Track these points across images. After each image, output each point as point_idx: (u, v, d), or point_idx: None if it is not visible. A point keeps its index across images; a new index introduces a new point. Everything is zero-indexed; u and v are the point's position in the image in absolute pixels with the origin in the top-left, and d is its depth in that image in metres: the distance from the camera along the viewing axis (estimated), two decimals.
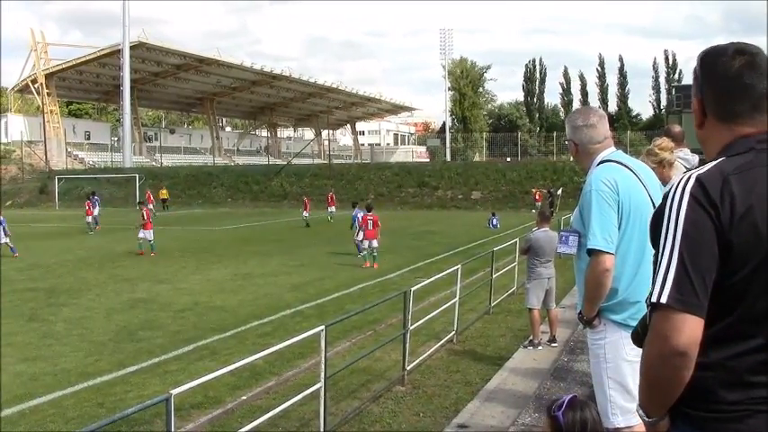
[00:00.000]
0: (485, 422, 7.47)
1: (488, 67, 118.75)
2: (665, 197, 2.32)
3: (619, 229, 4.45)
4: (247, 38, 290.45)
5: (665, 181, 5.47)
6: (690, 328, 2.16)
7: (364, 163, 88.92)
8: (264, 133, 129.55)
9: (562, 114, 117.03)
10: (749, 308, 2.21)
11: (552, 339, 10.84)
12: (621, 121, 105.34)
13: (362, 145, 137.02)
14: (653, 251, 4.56)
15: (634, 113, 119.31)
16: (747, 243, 2.19)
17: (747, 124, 2.34)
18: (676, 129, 7.79)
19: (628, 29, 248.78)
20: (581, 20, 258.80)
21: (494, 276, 14.22)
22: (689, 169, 7.39)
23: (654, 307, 2.22)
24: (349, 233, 24.24)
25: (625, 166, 4.64)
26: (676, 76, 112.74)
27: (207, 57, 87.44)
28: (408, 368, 9.17)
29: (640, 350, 4.49)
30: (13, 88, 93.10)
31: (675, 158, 6.73)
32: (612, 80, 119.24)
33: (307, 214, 38.76)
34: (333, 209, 45.28)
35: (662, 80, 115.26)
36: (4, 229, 25.93)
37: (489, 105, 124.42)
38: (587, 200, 4.51)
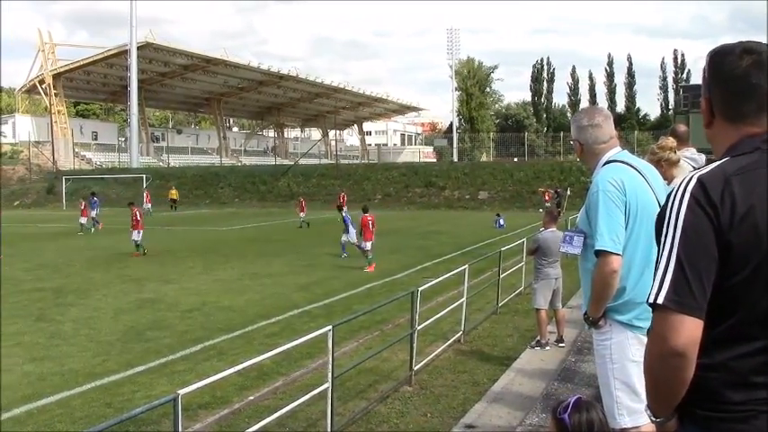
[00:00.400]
0: (492, 422, 7.46)
1: (495, 67, 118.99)
2: (668, 197, 2.31)
3: (625, 229, 4.44)
4: (253, 38, 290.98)
5: (666, 180, 5.46)
6: (687, 329, 2.16)
7: (371, 163, 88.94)
8: (271, 133, 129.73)
9: (569, 114, 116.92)
10: (751, 309, 2.21)
11: (560, 339, 10.82)
12: (629, 120, 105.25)
13: (369, 145, 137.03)
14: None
15: (642, 113, 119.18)
16: (748, 244, 2.18)
17: (754, 124, 2.33)
18: (681, 128, 7.77)
19: (635, 29, 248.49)
20: (588, 20, 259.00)
21: (501, 276, 14.20)
22: (696, 169, 7.38)
23: (653, 307, 2.22)
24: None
25: (631, 166, 4.62)
26: (684, 75, 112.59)
27: (214, 57, 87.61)
28: (416, 368, 9.16)
29: None
30: (20, 89, 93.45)
31: (680, 158, 6.70)
32: (620, 80, 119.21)
33: (303, 215, 38.47)
34: (345, 209, 45.07)
35: (670, 80, 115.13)
36: None
37: (496, 105, 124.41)
38: (594, 200, 4.49)
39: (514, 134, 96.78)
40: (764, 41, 2.38)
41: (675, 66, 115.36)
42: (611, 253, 4.34)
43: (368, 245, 21.25)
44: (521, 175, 58.63)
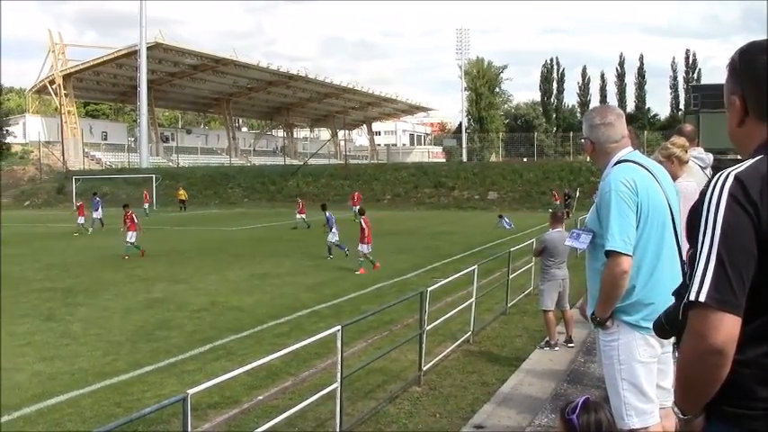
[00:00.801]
0: (501, 423, 7.45)
1: (505, 67, 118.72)
2: (703, 195, 2.30)
3: (636, 229, 4.42)
4: (262, 38, 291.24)
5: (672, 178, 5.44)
6: (727, 327, 2.15)
7: (380, 163, 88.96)
8: (281, 133, 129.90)
9: (579, 114, 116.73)
10: None
11: (569, 340, 10.79)
12: (640, 120, 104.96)
13: (378, 145, 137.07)
14: (670, 252, 4.55)
15: (652, 113, 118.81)
16: None
17: None
18: (688, 128, 7.77)
19: (645, 28, 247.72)
20: (597, 20, 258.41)
21: (510, 277, 14.19)
22: (703, 168, 7.36)
23: (691, 305, 2.20)
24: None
25: (642, 166, 4.60)
26: (695, 75, 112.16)
27: (223, 57, 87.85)
28: (425, 369, 9.15)
29: (653, 351, 4.50)
30: (31, 89, 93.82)
31: (690, 159, 6.69)
32: (630, 80, 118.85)
33: (301, 216, 37.92)
34: (357, 208, 45.01)
35: (680, 80, 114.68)
36: None
37: (506, 105, 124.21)
38: (606, 200, 4.46)
39: (524, 134, 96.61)
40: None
41: (687, 65, 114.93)
42: (622, 254, 4.33)
43: (367, 248, 20.88)
44: (530, 175, 58.56)
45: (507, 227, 35.48)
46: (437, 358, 9.91)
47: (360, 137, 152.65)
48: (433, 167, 67.18)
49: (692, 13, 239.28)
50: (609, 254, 4.37)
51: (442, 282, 11.27)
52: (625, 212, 4.38)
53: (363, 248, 20.71)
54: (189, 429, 4.85)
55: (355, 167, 71.21)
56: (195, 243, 29.97)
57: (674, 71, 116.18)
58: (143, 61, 77.10)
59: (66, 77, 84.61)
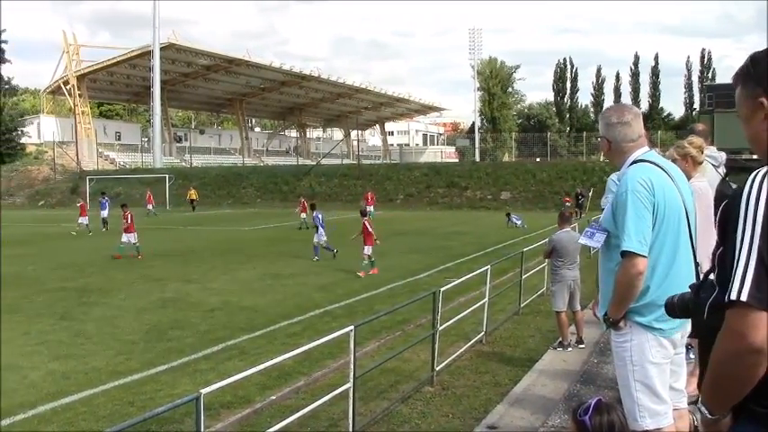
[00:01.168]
0: (514, 424, 7.43)
1: (518, 67, 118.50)
2: (738, 194, 2.28)
3: (653, 230, 4.39)
4: (275, 38, 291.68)
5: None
6: (767, 326, 2.13)
7: (393, 163, 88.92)
8: (293, 134, 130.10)
9: (592, 114, 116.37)
10: None
11: (579, 341, 10.74)
12: (655, 120, 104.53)
13: (391, 145, 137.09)
14: (685, 252, 4.52)
15: (665, 113, 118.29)
16: None
17: None
18: (700, 127, 7.76)
19: (659, 28, 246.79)
20: (611, 19, 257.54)
21: (523, 277, 14.15)
22: (716, 166, 7.35)
23: (731, 304, 2.18)
24: (379, 235, 24.00)
25: (658, 166, 4.56)
26: (709, 75, 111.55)
27: (236, 57, 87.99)
28: (437, 369, 9.14)
29: (666, 352, 4.48)
30: (45, 90, 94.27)
31: (704, 160, 6.68)
32: (645, 79, 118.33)
33: (304, 216, 37.14)
34: (371, 208, 45.09)
35: (695, 79, 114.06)
36: None
37: (519, 105, 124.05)
38: (623, 200, 4.42)
39: (537, 134, 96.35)
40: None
41: (702, 65, 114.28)
42: (638, 254, 4.29)
43: (369, 249, 20.48)
44: (543, 175, 58.44)
45: (517, 222, 35.60)
46: (450, 358, 9.90)
47: (373, 137, 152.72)
48: (445, 167, 67.10)
49: (707, 12, 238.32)
50: (624, 254, 4.34)
51: (455, 282, 11.25)
52: (641, 213, 4.35)
53: (367, 250, 20.44)
54: (202, 429, 4.87)
55: (368, 167, 71.19)
56: (208, 243, 30.02)
57: (689, 70, 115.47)
58: (156, 62, 77.31)
59: (80, 78, 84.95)
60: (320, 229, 23.63)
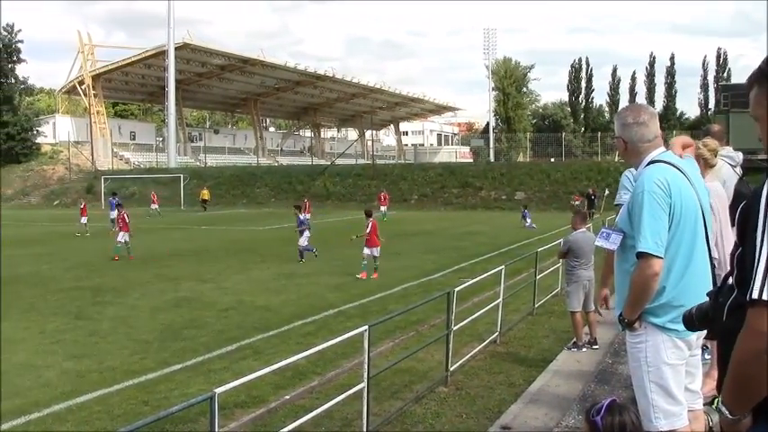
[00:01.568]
0: (528, 424, 7.41)
1: (532, 67, 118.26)
2: (758, 194, 2.26)
3: (668, 231, 4.36)
4: (289, 38, 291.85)
5: None
6: None
7: (408, 163, 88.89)
8: (308, 133, 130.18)
9: (607, 115, 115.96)
10: None
11: (593, 342, 10.69)
12: (669, 121, 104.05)
13: (406, 145, 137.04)
14: (701, 254, 4.50)
15: (679, 113, 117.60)
16: None
17: None
18: (715, 128, 7.72)
19: (674, 27, 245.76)
20: (626, 19, 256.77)
21: (538, 277, 14.12)
22: (733, 166, 7.32)
23: (753, 303, 2.16)
24: (392, 235, 24.08)
25: (675, 167, 4.53)
26: (725, 74, 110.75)
27: (251, 57, 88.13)
28: (451, 369, 9.13)
29: (681, 353, 4.45)
30: (60, 90, 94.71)
31: (718, 161, 6.64)
32: (660, 79, 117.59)
33: (306, 216, 37.28)
34: (384, 208, 45.12)
35: (711, 79, 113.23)
36: None
37: (533, 105, 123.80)
38: (639, 201, 4.40)
39: (552, 134, 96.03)
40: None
41: (717, 64, 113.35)
42: (654, 256, 4.27)
43: (375, 251, 20.01)
44: (558, 175, 58.31)
45: (527, 221, 35.70)
46: (464, 359, 9.88)
47: (387, 137, 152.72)
48: (460, 167, 67.01)
49: (722, 11, 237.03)
50: (640, 255, 4.32)
51: (469, 282, 11.24)
52: (657, 214, 4.32)
53: (370, 251, 19.98)
54: (216, 428, 4.87)
55: (382, 167, 71.21)
56: (222, 243, 30.10)
57: (705, 70, 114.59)
58: (171, 61, 77.57)
59: (96, 78, 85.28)
60: (306, 232, 23.37)
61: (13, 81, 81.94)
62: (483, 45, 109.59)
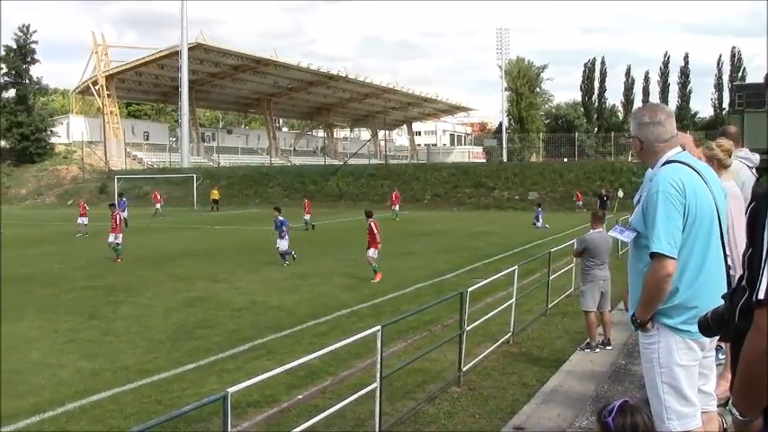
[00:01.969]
0: (541, 424, 7.39)
1: (545, 67, 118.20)
2: (765, 196, 2.25)
3: (683, 232, 4.32)
4: (302, 38, 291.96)
5: None
6: None
7: (421, 163, 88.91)
8: (321, 133, 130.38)
9: (621, 115, 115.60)
10: None
11: (606, 342, 10.65)
12: (683, 121, 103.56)
13: (419, 145, 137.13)
14: (715, 255, 4.47)
15: (693, 113, 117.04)
16: None
17: None
18: (732, 129, 7.68)
19: (688, 27, 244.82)
20: (640, 18, 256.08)
21: (551, 278, 14.10)
22: (750, 167, 7.27)
23: (759, 304, 2.15)
24: (405, 235, 24.05)
25: (691, 167, 4.48)
26: (739, 74, 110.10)
27: (264, 57, 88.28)
28: (464, 369, 9.12)
29: (694, 355, 4.43)
30: (74, 90, 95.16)
31: (733, 161, 6.60)
32: (674, 79, 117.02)
33: (307, 217, 37.36)
34: (396, 207, 45.29)
35: (725, 79, 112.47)
36: None
37: (546, 105, 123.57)
38: (653, 201, 4.36)
39: (564, 134, 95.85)
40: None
41: (732, 64, 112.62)
42: (667, 256, 4.24)
43: (374, 253, 19.35)
44: (571, 175, 58.17)
45: (539, 221, 35.77)
46: (477, 359, 9.86)
47: (400, 137, 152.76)
48: (473, 168, 66.98)
49: (736, 11, 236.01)
50: (653, 256, 4.29)
51: (482, 282, 11.21)
52: (672, 214, 4.29)
53: (371, 253, 19.39)
54: (229, 428, 4.87)
55: (395, 167, 71.22)
56: (235, 242, 30.17)
57: (720, 69, 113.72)
58: (184, 62, 77.75)
59: (109, 78, 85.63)
60: (286, 236, 22.62)
61: (27, 81, 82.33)
62: (496, 45, 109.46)
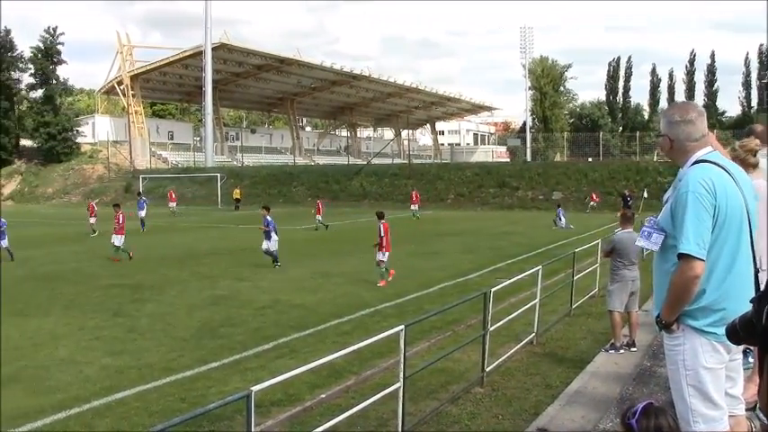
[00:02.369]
0: (565, 426, 7.35)
1: (569, 66, 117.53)
2: None
3: (712, 233, 4.26)
4: (324, 38, 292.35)
5: None
6: None
7: (444, 163, 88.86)
8: (344, 133, 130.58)
9: (646, 114, 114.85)
10: None
11: (632, 344, 10.57)
12: (711, 120, 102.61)
13: (442, 145, 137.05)
14: (744, 257, 4.42)
15: (720, 111, 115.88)
16: None
17: None
18: (759, 128, 7.58)
19: (713, 24, 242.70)
20: (665, 16, 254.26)
21: (575, 278, 14.02)
22: None
23: None
24: (429, 235, 24.01)
25: (721, 167, 4.41)
26: (767, 72, 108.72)
27: (287, 57, 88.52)
28: (487, 369, 9.10)
29: (720, 357, 4.38)
30: (100, 90, 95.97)
31: (758, 162, 6.53)
32: (700, 77, 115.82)
33: (320, 218, 37.14)
34: (416, 207, 45.41)
35: (753, 77, 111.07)
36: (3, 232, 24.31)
37: (570, 104, 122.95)
38: (683, 201, 4.30)
39: (589, 134, 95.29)
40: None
41: (760, 62, 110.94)
42: (696, 258, 4.18)
43: (385, 256, 18.67)
44: (595, 175, 57.84)
45: (562, 221, 35.69)
46: (500, 359, 9.83)
47: (423, 136, 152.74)
48: (496, 167, 66.75)
49: (763, 7, 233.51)
50: (681, 257, 4.23)
51: (506, 282, 11.19)
52: (701, 215, 4.22)
53: (381, 256, 18.70)
54: (252, 426, 4.88)
55: (419, 167, 71.19)
56: (259, 241, 30.19)
57: (747, 67, 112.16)
58: (208, 62, 78.12)
59: (134, 78, 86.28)
60: (274, 236, 22.02)
61: (54, 82, 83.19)
62: (520, 44, 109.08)
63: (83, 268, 21.74)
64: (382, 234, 18.78)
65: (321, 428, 6.07)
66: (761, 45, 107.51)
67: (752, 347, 6.32)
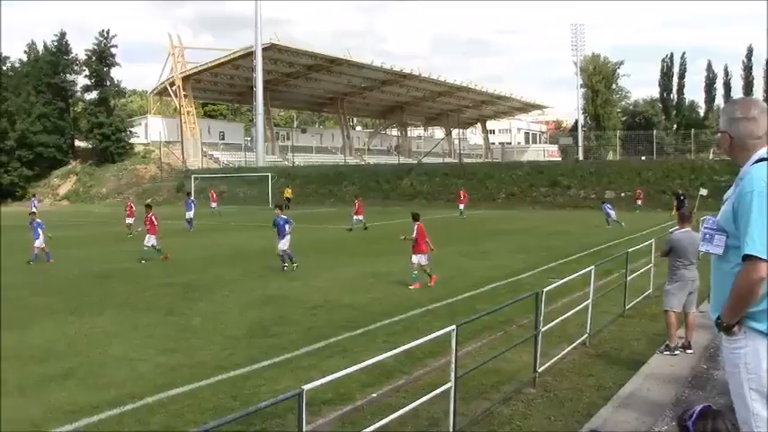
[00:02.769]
0: (619, 428, 7.25)
1: (621, 63, 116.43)
2: None
3: None
4: (373, 37, 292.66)
5: None
6: None
7: (495, 162, 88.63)
8: (395, 132, 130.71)
9: (701, 111, 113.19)
10: None
11: (687, 345, 10.38)
12: None
13: (493, 144, 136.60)
14: None
15: None
16: None
17: None
18: None
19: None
20: (720, 11, 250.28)
21: (629, 278, 13.84)
22: None
23: None
24: (480, 234, 23.86)
25: None
26: None
27: (337, 57, 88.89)
28: (540, 370, 9.02)
29: None
30: (152, 91, 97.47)
31: None
32: (758, 73, 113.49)
33: (360, 218, 36.59)
34: (462, 206, 45.40)
35: None
36: (42, 231, 24.21)
37: (623, 102, 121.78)
38: (747, 201, 4.18)
39: (642, 132, 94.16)
40: None
41: None
42: (762, 259, 4.07)
43: (423, 258, 18.02)
44: (649, 174, 57.15)
45: (610, 213, 35.77)
46: (552, 360, 9.74)
47: (474, 135, 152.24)
48: (548, 166, 66.38)
49: None
50: (746, 258, 4.12)
51: (558, 282, 11.07)
52: (767, 215, 4.11)
53: (418, 259, 18.00)
54: (304, 424, 4.89)
55: (470, 166, 71.07)
56: (310, 241, 30.36)
57: None
58: (259, 62, 78.77)
59: (186, 79, 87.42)
60: (286, 235, 21.45)
61: (107, 84, 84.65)
62: (571, 41, 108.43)
63: (135, 268, 22.06)
64: (414, 235, 18.15)
65: (372, 428, 6.06)
66: None
67: None
